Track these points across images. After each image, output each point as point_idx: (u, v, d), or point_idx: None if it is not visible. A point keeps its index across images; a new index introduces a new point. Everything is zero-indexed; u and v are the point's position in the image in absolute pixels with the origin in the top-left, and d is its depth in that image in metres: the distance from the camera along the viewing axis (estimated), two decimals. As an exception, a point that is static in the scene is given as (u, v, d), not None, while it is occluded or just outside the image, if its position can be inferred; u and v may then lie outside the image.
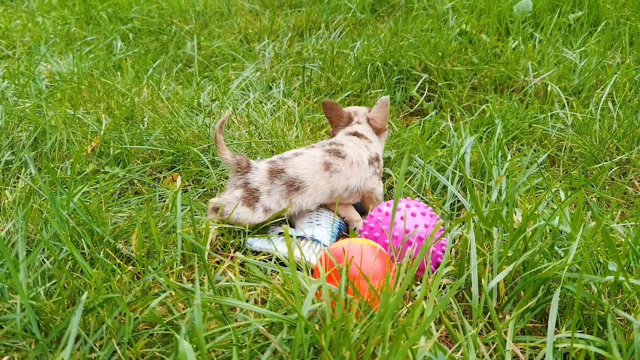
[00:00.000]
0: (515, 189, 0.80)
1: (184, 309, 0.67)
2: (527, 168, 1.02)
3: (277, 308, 0.67)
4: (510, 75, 1.41)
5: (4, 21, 2.20)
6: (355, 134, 1.01)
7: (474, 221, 0.79)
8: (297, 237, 0.87)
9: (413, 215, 0.81)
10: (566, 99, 1.28)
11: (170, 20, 2.17)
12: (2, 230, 0.76)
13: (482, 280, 0.67)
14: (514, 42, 1.54)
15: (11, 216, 0.79)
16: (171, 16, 2.20)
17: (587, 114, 1.21)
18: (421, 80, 1.44)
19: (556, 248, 0.74)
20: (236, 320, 0.64)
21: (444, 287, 0.74)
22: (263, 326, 0.60)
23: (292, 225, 0.93)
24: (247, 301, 0.69)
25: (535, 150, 1.11)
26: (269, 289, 0.71)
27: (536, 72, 1.39)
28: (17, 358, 0.58)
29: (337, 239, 0.90)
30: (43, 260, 0.72)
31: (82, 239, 0.76)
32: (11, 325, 0.59)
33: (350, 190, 0.92)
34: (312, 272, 0.79)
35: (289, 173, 0.87)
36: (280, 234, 0.88)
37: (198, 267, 0.70)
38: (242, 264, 0.79)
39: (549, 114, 1.22)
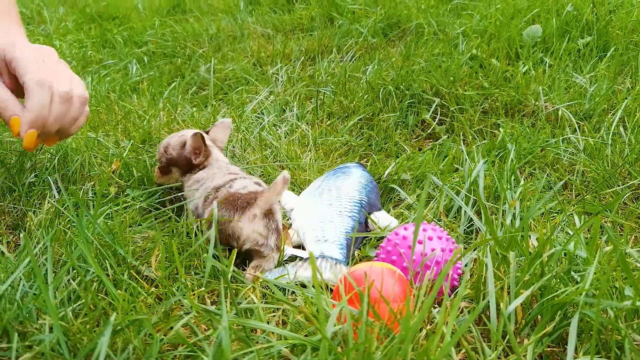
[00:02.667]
0: (531, 214, 0.81)
1: (206, 330, 0.69)
2: (540, 192, 1.03)
3: (297, 330, 0.68)
4: (521, 100, 1.43)
5: (22, 44, 2.24)
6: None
7: (489, 245, 0.80)
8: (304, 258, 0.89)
9: (430, 239, 0.83)
10: (577, 123, 1.29)
11: (184, 43, 2.21)
12: (28, 254, 0.78)
13: (501, 304, 0.68)
14: (524, 66, 1.57)
15: (37, 238, 0.81)
16: (185, 39, 2.25)
17: (598, 139, 1.22)
18: (434, 105, 1.46)
19: (572, 273, 0.75)
20: (257, 342, 0.65)
21: (462, 311, 0.75)
22: (285, 348, 0.62)
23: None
24: (268, 323, 0.71)
25: (548, 175, 1.13)
26: (289, 311, 0.72)
27: (547, 97, 1.41)
28: (46, 378, 0.59)
29: (348, 253, 0.91)
30: (69, 280, 0.74)
31: (107, 260, 0.77)
32: (42, 347, 0.61)
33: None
34: (331, 291, 0.80)
35: None
36: (296, 257, 0.89)
37: (222, 289, 0.71)
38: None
39: (561, 138, 1.24)
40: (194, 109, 1.58)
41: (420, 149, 1.33)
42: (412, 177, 1.16)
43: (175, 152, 1.00)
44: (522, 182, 1.06)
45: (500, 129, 1.31)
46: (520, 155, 1.19)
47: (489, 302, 0.69)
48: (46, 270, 0.70)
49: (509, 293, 0.72)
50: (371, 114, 1.49)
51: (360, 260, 0.92)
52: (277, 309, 0.74)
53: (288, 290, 0.80)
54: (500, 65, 1.58)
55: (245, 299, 0.75)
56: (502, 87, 1.50)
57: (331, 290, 0.81)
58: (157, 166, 1.04)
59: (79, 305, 0.70)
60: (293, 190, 1.12)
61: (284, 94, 1.64)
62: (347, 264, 0.89)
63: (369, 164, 1.24)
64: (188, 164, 0.99)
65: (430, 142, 1.39)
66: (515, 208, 0.95)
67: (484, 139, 1.35)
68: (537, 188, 1.02)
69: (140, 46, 2.27)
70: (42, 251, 0.77)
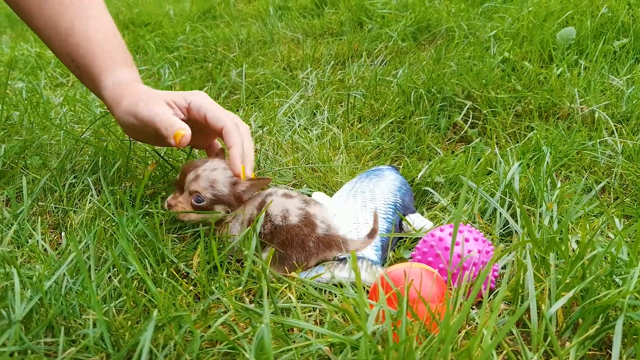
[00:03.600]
0: (572, 215, 0.80)
1: (244, 328, 0.69)
2: (577, 194, 1.01)
3: (334, 330, 0.68)
4: (556, 102, 1.41)
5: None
6: None
7: (528, 247, 0.79)
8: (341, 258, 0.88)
9: (466, 240, 0.82)
10: (615, 125, 1.27)
11: (215, 48, 2.24)
12: (71, 251, 0.80)
13: (543, 306, 0.67)
14: (558, 68, 1.54)
15: (78, 237, 0.83)
16: (215, 44, 2.28)
17: (637, 141, 1.20)
18: (466, 108, 1.45)
19: (614, 276, 0.74)
20: (294, 342, 0.65)
21: (499, 314, 0.74)
22: (325, 346, 0.62)
23: None
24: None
25: (585, 178, 1.11)
26: (326, 311, 0.72)
27: (583, 99, 1.39)
28: (90, 372, 0.61)
29: (383, 255, 0.91)
30: (110, 278, 0.75)
31: (146, 259, 0.79)
32: (86, 341, 0.62)
33: None
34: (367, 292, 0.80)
35: None
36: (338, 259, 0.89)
37: (263, 285, 0.72)
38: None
39: (598, 141, 1.22)
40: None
41: (452, 152, 1.32)
42: (445, 179, 1.15)
43: (227, 189, 0.88)
44: (558, 185, 1.05)
45: (535, 131, 1.29)
46: (556, 158, 1.17)
47: (529, 303, 0.68)
48: (89, 267, 0.72)
49: (549, 295, 0.71)
50: (402, 117, 1.49)
51: (395, 262, 0.92)
52: (314, 308, 0.74)
53: (324, 290, 0.80)
54: (533, 68, 1.56)
55: (281, 298, 0.76)
56: (536, 89, 1.48)
57: (367, 291, 0.81)
58: (180, 199, 0.90)
59: (120, 302, 0.71)
60: (325, 192, 1.13)
61: (315, 98, 1.65)
62: (382, 265, 0.89)
63: (401, 166, 1.23)
64: (239, 200, 0.90)
65: (463, 145, 1.38)
66: (552, 210, 0.94)
67: (517, 142, 1.33)
68: (576, 191, 1.01)
69: (172, 51, 2.31)
70: (84, 249, 0.79)
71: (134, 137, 1.01)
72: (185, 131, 0.87)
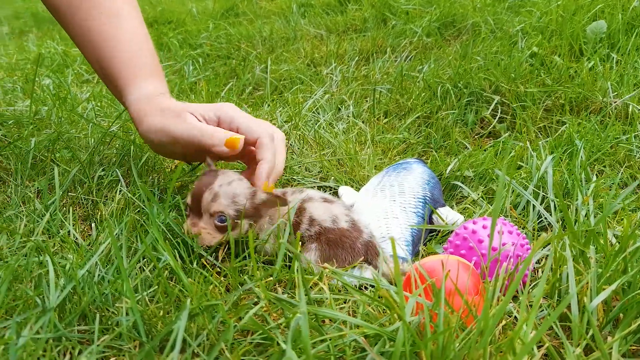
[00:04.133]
0: (611, 209, 0.78)
1: (276, 319, 0.68)
2: (613, 189, 0.99)
3: (367, 321, 0.67)
4: (588, 96, 1.38)
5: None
6: None
7: (567, 239, 0.77)
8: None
9: (499, 233, 0.80)
10: (649, 120, 1.24)
11: (238, 45, 2.24)
12: (102, 242, 0.80)
13: (585, 299, 0.65)
14: (589, 62, 1.51)
15: (109, 227, 0.83)
16: (239, 41, 2.28)
17: (674, 135, 1.17)
18: (493, 103, 1.43)
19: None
20: (327, 333, 0.64)
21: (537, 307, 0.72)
22: (361, 337, 0.61)
23: None
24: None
25: (620, 172, 1.08)
26: (359, 303, 0.71)
27: (616, 93, 1.36)
28: (124, 360, 0.60)
29: (413, 250, 0.89)
30: (141, 268, 0.75)
31: (176, 250, 0.78)
32: (120, 329, 0.62)
33: None
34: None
35: None
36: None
37: (297, 274, 0.71)
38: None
39: (633, 135, 1.19)
40: (250, 108, 1.59)
41: (480, 147, 1.30)
42: (475, 174, 1.13)
43: (248, 202, 0.82)
44: (593, 179, 1.02)
45: (567, 125, 1.26)
46: (590, 152, 1.15)
47: (571, 296, 0.66)
48: (121, 257, 0.72)
49: (588, 289, 0.69)
50: (429, 112, 1.47)
51: (427, 256, 0.90)
52: (346, 301, 0.73)
53: (356, 285, 0.79)
54: (563, 62, 1.53)
55: (313, 290, 0.75)
56: (566, 84, 1.45)
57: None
58: (202, 224, 0.82)
59: (152, 291, 0.71)
60: (352, 186, 1.12)
61: (339, 93, 1.64)
62: (413, 261, 0.87)
63: (429, 161, 1.22)
64: (257, 213, 0.84)
65: (491, 140, 1.36)
66: (588, 204, 0.91)
67: (548, 136, 1.30)
68: (611, 185, 0.98)
69: (195, 48, 2.32)
70: (115, 239, 0.79)
71: (159, 152, 0.98)
72: (241, 136, 0.85)
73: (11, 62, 2.35)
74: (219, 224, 0.80)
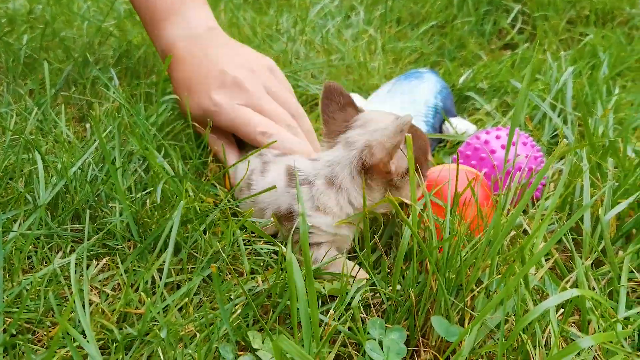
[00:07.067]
0: (632, 122, 0.73)
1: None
2: (635, 104, 0.94)
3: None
4: (614, 7, 1.29)
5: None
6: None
7: (579, 154, 0.73)
8: None
9: (513, 144, 0.76)
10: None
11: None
12: (95, 140, 0.76)
13: (599, 211, 0.62)
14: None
15: (104, 125, 0.79)
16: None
17: None
18: (514, 12, 1.34)
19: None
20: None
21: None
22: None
23: None
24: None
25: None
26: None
27: (646, 3, 1.27)
28: (118, 260, 0.58)
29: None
30: (136, 169, 0.72)
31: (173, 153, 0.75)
32: (111, 226, 0.59)
33: None
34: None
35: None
36: None
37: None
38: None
39: (661, 48, 1.12)
40: (255, 13, 1.51)
41: (497, 59, 1.23)
42: (489, 86, 1.07)
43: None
44: (615, 92, 0.97)
45: (590, 37, 1.19)
46: (614, 66, 1.08)
47: (585, 209, 0.63)
48: (114, 157, 0.69)
49: (602, 204, 0.66)
50: (444, 21, 1.39)
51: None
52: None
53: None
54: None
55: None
56: (593, -7, 1.35)
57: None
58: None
59: (147, 193, 0.68)
60: (360, 94, 1.06)
61: (350, -1, 1.54)
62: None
63: (441, 71, 1.15)
64: None
65: (509, 51, 1.29)
66: (608, 119, 0.87)
67: (570, 49, 1.23)
68: (634, 100, 0.93)
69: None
70: (110, 139, 0.75)
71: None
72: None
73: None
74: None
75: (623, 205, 0.61)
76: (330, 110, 0.66)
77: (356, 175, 0.60)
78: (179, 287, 0.58)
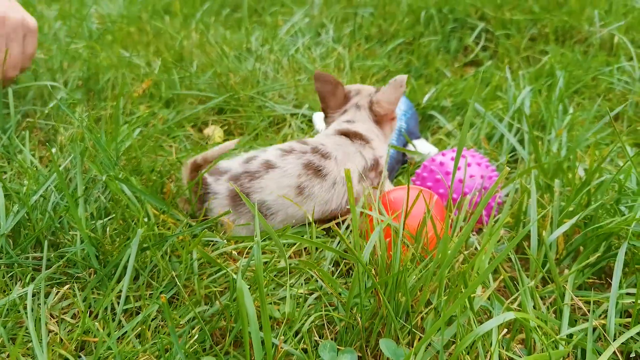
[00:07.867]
0: (581, 142, 0.76)
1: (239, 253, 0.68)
2: (588, 122, 0.97)
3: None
4: (574, 25, 1.34)
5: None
6: (347, 133, 0.79)
7: (531, 174, 0.76)
8: None
9: (469, 165, 0.79)
10: (635, 51, 1.20)
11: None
12: (60, 165, 0.77)
13: (544, 232, 0.65)
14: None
15: (68, 152, 0.80)
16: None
17: (657, 68, 1.14)
18: (477, 30, 1.38)
19: (620, 204, 0.71)
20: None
21: (499, 240, 0.72)
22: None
23: None
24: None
25: (598, 105, 1.06)
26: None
27: (603, 22, 1.31)
28: (77, 287, 0.60)
29: (391, 178, 0.88)
30: (99, 196, 0.73)
31: (134, 179, 0.76)
32: (71, 255, 0.61)
33: (332, 210, 0.75)
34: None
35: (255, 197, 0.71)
36: None
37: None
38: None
39: (615, 66, 1.15)
40: (228, 31, 1.53)
41: (461, 76, 1.26)
42: (453, 104, 1.10)
43: None
44: (570, 111, 1.00)
45: (550, 55, 1.22)
46: (570, 84, 1.12)
47: (529, 230, 0.65)
48: (76, 184, 0.70)
49: (551, 223, 0.69)
50: (411, 38, 1.42)
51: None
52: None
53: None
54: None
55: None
56: (554, 12, 1.40)
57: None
58: None
59: (110, 219, 0.69)
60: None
61: (320, 16, 1.57)
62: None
63: (407, 90, 1.18)
64: None
65: (473, 68, 1.32)
66: (562, 137, 0.90)
67: (531, 66, 1.27)
68: (587, 118, 0.96)
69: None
70: (74, 165, 0.76)
71: None
72: None
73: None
74: None
75: (566, 226, 0.64)
76: (327, 90, 0.84)
77: (374, 126, 0.81)
78: (137, 313, 0.59)
